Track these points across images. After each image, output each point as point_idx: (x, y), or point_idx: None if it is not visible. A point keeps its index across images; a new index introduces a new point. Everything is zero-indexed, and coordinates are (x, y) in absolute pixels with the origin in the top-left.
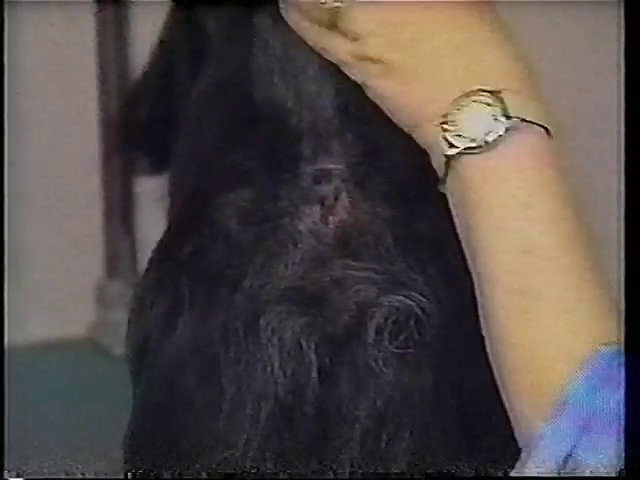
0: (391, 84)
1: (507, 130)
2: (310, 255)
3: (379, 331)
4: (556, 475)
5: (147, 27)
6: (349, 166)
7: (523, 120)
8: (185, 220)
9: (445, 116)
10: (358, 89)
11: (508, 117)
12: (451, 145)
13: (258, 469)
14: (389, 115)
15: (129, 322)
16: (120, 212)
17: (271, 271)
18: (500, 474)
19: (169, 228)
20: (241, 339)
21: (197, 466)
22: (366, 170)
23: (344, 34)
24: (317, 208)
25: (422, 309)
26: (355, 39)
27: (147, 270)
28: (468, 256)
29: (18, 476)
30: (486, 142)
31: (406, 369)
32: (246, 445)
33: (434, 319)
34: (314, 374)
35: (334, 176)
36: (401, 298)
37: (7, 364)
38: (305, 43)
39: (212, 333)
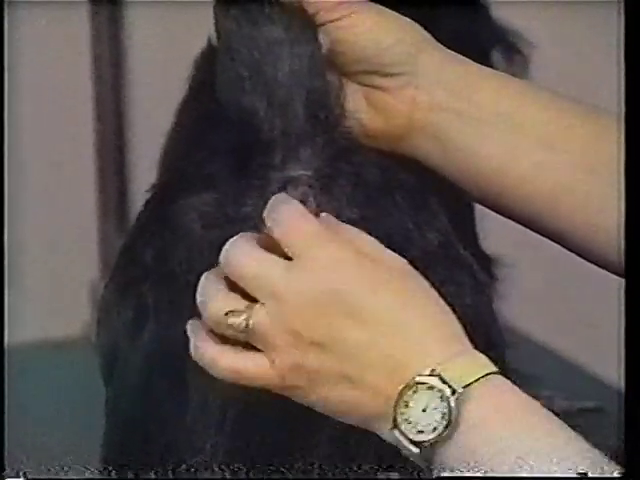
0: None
1: (458, 402)
2: None
3: None
4: (553, 476)
5: (142, 28)
6: (317, 171)
7: (467, 386)
8: (147, 221)
9: (395, 414)
10: (328, 93)
11: (454, 391)
12: (415, 443)
13: (227, 474)
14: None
15: (97, 326)
16: (115, 213)
17: None
18: None
19: (132, 229)
20: None
21: (167, 471)
22: (333, 174)
23: None
24: None
25: None
26: None
27: (113, 274)
28: None
29: (18, 476)
30: (448, 423)
31: None
32: (213, 450)
33: None
34: None
35: (302, 182)
36: None
37: (7, 364)
38: (273, 48)
39: (177, 340)
